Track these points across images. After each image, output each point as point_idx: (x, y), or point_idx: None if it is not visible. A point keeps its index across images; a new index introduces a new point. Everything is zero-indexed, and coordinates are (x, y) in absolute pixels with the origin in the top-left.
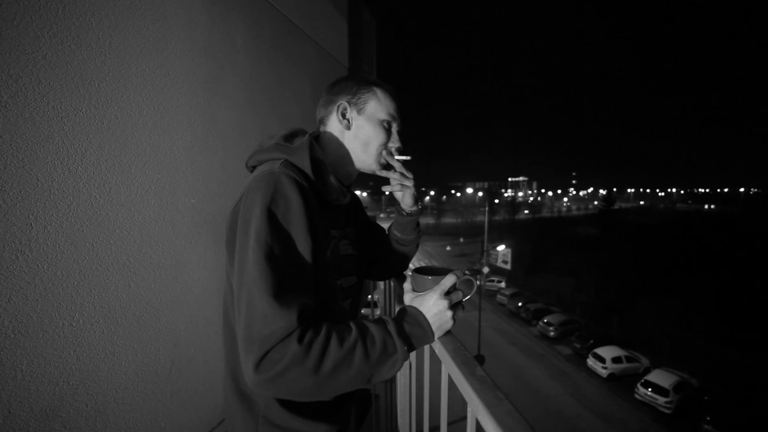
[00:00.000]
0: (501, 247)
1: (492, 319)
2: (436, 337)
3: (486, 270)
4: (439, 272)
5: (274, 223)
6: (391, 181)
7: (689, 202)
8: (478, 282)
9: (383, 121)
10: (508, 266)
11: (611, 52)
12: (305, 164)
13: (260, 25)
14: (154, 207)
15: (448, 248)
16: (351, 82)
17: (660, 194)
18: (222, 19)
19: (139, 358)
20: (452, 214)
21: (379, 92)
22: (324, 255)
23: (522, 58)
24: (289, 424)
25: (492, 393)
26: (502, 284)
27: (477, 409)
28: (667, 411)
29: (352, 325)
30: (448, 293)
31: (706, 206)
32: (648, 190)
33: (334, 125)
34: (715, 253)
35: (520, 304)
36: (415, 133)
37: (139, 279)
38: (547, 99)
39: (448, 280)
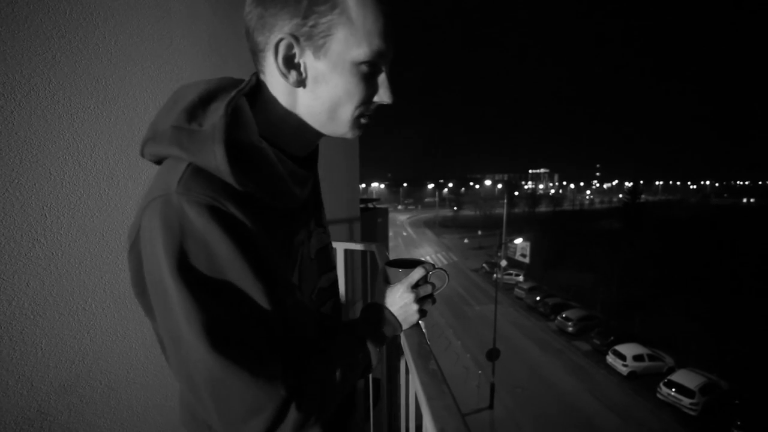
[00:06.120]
0: (519, 240)
1: (509, 313)
2: (402, 329)
3: (504, 263)
4: (411, 264)
5: (204, 288)
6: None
7: (725, 195)
8: (501, 273)
9: (363, 63)
10: (527, 260)
11: (638, 36)
12: (222, 169)
13: None
14: None
15: (466, 241)
16: None
17: (692, 187)
18: (226, 15)
19: (149, 342)
20: (471, 206)
21: (352, 4)
22: (289, 277)
23: (545, 46)
24: None
25: (438, 387)
26: (520, 278)
27: (421, 402)
28: (692, 413)
29: (332, 356)
30: (416, 286)
31: (745, 200)
32: (678, 183)
33: (274, 78)
34: (750, 250)
35: (538, 298)
36: (436, 122)
37: None
38: (570, 87)
39: (417, 273)
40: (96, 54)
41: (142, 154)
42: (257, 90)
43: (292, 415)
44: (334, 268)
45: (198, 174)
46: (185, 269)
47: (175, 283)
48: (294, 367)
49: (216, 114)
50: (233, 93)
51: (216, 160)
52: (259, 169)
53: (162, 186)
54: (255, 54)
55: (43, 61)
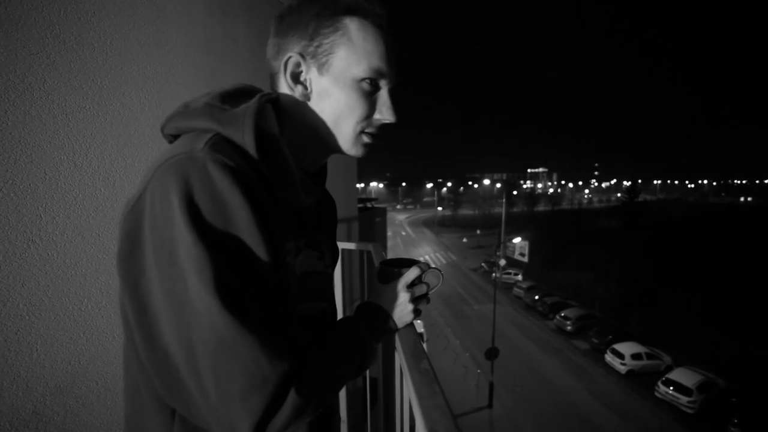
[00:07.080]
0: (518, 240)
1: (508, 312)
2: (397, 328)
3: (503, 262)
4: (406, 264)
5: (220, 246)
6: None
7: (723, 194)
8: (500, 272)
9: (363, 80)
10: (526, 259)
11: (637, 35)
12: (247, 141)
13: (262, 18)
14: None
15: (465, 240)
16: (306, 14)
17: (690, 186)
18: (222, 15)
19: None
20: (469, 205)
21: (353, 28)
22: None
23: (544, 46)
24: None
25: (429, 387)
26: (519, 277)
27: (413, 401)
28: (689, 411)
29: (332, 351)
30: (411, 285)
31: (742, 199)
32: (676, 182)
33: (286, 95)
34: (748, 249)
35: (536, 297)
36: (435, 121)
37: None
38: (569, 86)
39: (412, 273)
40: (91, 54)
41: (162, 129)
42: (275, 105)
43: (292, 397)
44: (323, 300)
45: (224, 141)
46: (202, 224)
47: (190, 237)
48: (295, 349)
49: (249, 102)
50: (264, 93)
51: (243, 131)
52: (275, 157)
53: (183, 149)
54: (272, 77)
55: (38, 61)
